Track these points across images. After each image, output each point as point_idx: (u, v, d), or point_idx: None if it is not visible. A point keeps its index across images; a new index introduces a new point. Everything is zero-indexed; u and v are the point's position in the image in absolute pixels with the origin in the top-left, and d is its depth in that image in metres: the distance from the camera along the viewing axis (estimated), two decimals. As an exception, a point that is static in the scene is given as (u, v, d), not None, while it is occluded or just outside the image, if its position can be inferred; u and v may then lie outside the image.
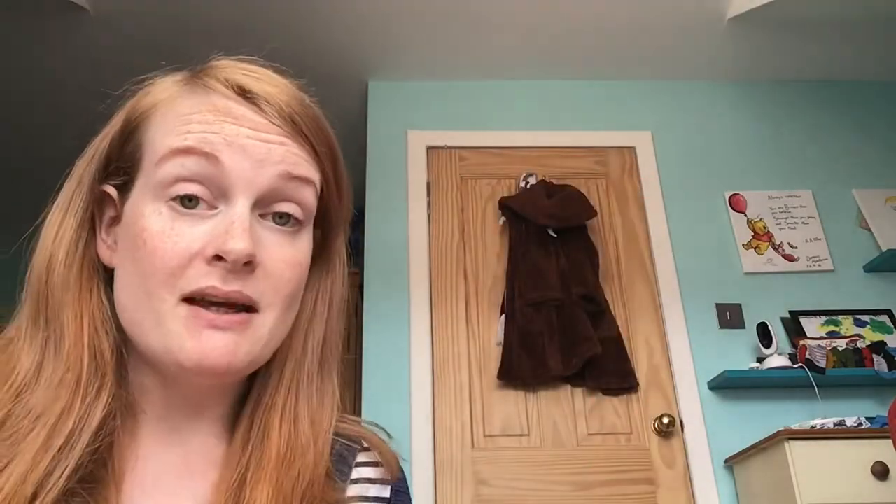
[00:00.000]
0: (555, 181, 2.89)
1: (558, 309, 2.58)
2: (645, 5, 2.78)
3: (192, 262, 0.52)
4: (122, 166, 0.57)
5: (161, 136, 0.55)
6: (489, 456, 2.50)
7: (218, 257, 0.52)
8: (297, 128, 0.57)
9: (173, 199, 0.53)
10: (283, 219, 0.56)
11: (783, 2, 2.69)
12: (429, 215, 2.87)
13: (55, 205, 0.59)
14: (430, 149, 2.99)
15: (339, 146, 0.62)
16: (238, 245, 0.51)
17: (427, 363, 2.61)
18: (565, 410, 2.57)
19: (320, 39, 2.87)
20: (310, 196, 0.57)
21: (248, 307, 0.54)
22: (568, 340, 2.53)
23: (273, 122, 0.56)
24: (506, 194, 2.89)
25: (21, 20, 2.70)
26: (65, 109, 3.10)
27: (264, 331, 0.55)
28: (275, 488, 0.54)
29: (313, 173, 0.58)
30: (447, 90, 3.12)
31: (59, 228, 0.58)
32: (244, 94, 0.56)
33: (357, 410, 2.59)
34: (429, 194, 2.90)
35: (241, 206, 0.53)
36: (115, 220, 0.58)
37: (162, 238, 0.52)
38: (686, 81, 3.19)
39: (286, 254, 0.56)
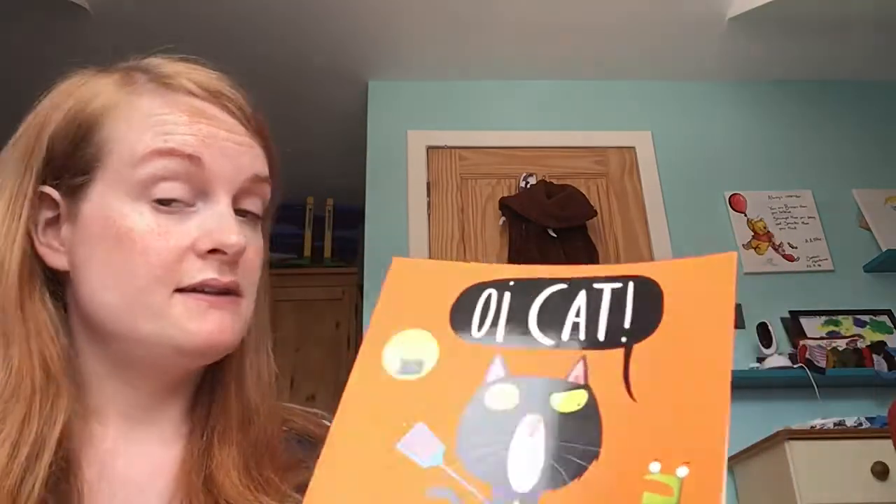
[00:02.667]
0: (555, 181, 2.89)
1: (558, 309, 2.58)
2: (645, 5, 2.78)
3: (185, 257, 0.55)
4: (80, 168, 0.57)
5: (136, 136, 0.56)
6: (489, 456, 2.50)
7: (214, 251, 0.56)
8: (255, 127, 0.61)
9: (155, 200, 0.56)
10: (242, 214, 0.60)
11: (783, 2, 2.69)
12: (429, 215, 2.87)
13: None
14: (430, 149, 2.99)
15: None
16: (237, 239, 0.56)
17: (427, 363, 2.61)
18: (565, 410, 2.57)
19: (321, 39, 2.87)
20: (268, 191, 0.62)
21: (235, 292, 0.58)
22: (568, 340, 2.53)
23: (240, 123, 0.59)
24: (506, 194, 2.89)
25: (21, 20, 2.70)
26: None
27: (247, 312, 0.59)
28: (242, 446, 0.58)
29: (268, 170, 0.62)
30: (447, 90, 3.12)
31: (3, 238, 0.57)
32: (212, 94, 0.59)
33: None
34: (429, 194, 2.90)
35: (224, 204, 0.57)
36: (54, 220, 0.59)
37: (153, 236, 0.55)
38: (686, 81, 3.19)
39: (254, 245, 0.60)
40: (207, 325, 0.55)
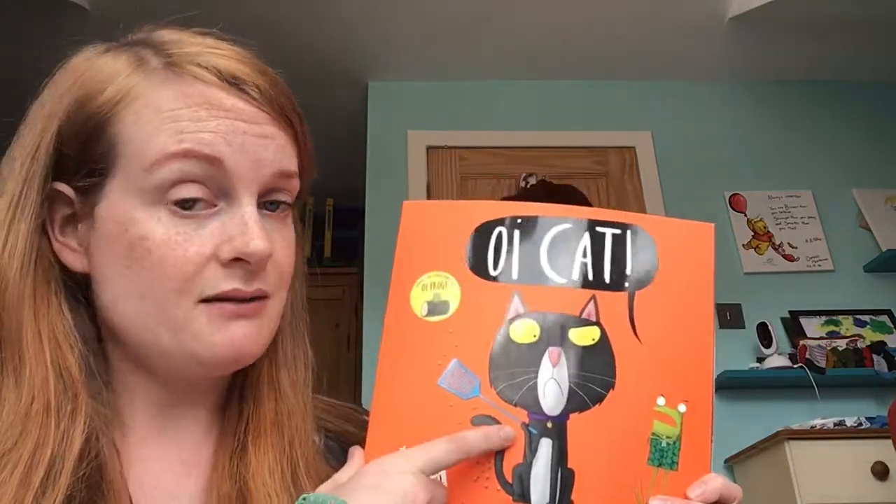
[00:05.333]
0: (555, 181, 2.88)
1: (558, 309, 2.58)
2: (645, 5, 2.78)
3: (207, 266, 0.51)
4: (92, 167, 0.53)
5: (147, 136, 0.51)
6: (489, 456, 2.50)
7: (237, 259, 0.51)
8: (281, 111, 0.55)
9: (173, 202, 0.51)
10: (273, 205, 0.56)
11: (783, 2, 2.69)
12: (429, 215, 2.87)
13: None
14: (430, 149, 2.99)
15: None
16: (260, 246, 0.51)
17: (427, 363, 2.61)
18: (565, 410, 2.57)
19: (320, 39, 2.87)
20: (296, 185, 0.58)
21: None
22: (568, 340, 2.54)
23: (262, 110, 0.54)
24: (506, 194, 2.89)
25: (20, 20, 2.70)
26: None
27: (275, 313, 0.56)
28: (276, 451, 0.55)
29: (296, 162, 0.57)
30: (447, 90, 3.12)
31: (6, 235, 0.53)
32: (230, 81, 0.54)
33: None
34: (429, 194, 2.90)
35: (248, 205, 0.53)
36: (71, 219, 0.55)
37: (170, 245, 0.51)
38: (686, 81, 3.19)
39: (283, 239, 0.56)
40: (232, 336, 0.52)
